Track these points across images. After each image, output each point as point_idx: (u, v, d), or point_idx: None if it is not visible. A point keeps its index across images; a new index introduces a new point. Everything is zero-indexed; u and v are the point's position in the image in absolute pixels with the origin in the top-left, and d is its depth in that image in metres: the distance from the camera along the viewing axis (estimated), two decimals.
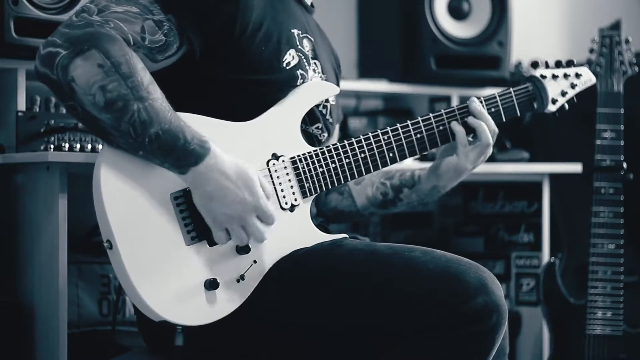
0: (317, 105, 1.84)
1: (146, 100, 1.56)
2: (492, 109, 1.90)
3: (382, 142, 1.81)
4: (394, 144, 1.81)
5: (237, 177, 1.61)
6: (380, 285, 1.63)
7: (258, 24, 1.74)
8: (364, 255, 1.67)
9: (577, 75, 1.99)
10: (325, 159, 1.76)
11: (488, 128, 1.86)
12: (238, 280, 1.66)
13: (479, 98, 1.90)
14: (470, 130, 1.87)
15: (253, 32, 1.73)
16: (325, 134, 1.89)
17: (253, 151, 1.71)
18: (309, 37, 1.87)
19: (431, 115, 1.85)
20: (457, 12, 3.00)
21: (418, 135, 1.84)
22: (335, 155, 1.77)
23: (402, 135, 1.82)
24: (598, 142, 2.64)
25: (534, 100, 1.95)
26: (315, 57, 1.87)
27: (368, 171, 1.80)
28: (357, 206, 2.00)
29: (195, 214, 1.64)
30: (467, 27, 3.01)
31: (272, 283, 1.68)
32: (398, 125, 1.82)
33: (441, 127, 1.86)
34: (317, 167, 1.75)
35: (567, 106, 1.99)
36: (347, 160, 1.78)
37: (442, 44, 2.95)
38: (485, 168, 1.96)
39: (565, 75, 1.98)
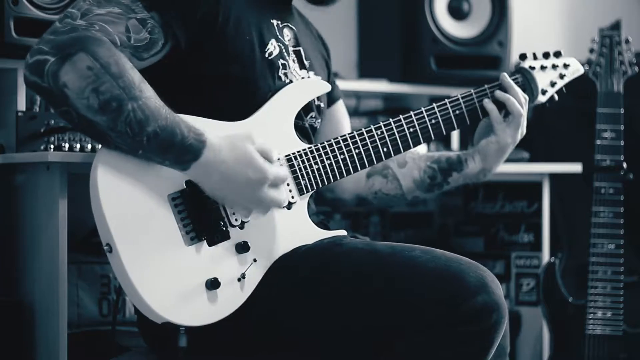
0: None
1: (140, 99, 1.56)
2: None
3: (376, 137, 1.82)
4: (387, 139, 1.83)
5: (235, 160, 1.61)
6: (381, 284, 1.63)
7: (238, 15, 1.75)
8: (365, 255, 1.67)
9: (565, 66, 2.02)
10: (320, 155, 1.77)
11: (516, 100, 1.89)
12: (239, 279, 1.66)
13: (469, 90, 1.92)
14: (500, 106, 1.91)
15: (235, 23, 1.74)
16: (320, 120, 1.91)
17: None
18: (290, 25, 1.88)
19: (423, 109, 1.87)
20: (457, 12, 3.00)
21: (411, 130, 1.86)
22: (330, 152, 1.78)
23: (395, 130, 1.84)
24: (598, 142, 2.64)
25: (524, 92, 1.96)
26: (297, 45, 1.88)
27: (363, 166, 1.81)
28: (403, 189, 2.01)
29: (194, 214, 1.65)
30: (467, 27, 3.01)
31: (272, 281, 1.68)
32: (391, 120, 1.85)
33: (433, 121, 1.88)
34: (312, 164, 1.76)
35: (556, 97, 2.01)
36: (342, 157, 1.79)
37: (442, 44, 2.95)
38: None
39: (554, 66, 2.00)
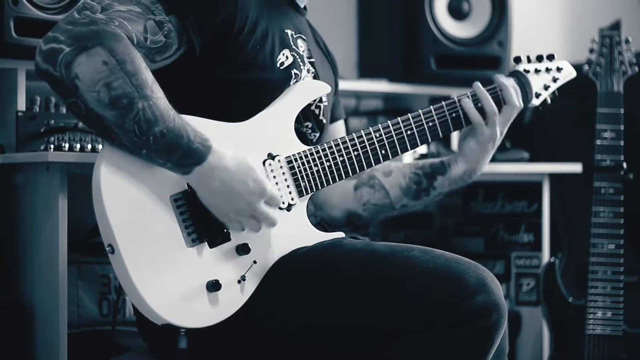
0: (310, 104, 1.85)
1: (150, 98, 1.57)
2: (479, 104, 1.91)
3: (374, 140, 1.83)
4: (385, 141, 1.84)
5: (238, 169, 1.62)
6: (380, 284, 1.63)
7: (254, 23, 1.75)
8: (364, 255, 1.67)
9: (559, 69, 2.01)
10: (320, 157, 1.77)
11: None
12: (239, 281, 1.66)
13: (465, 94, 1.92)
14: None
15: (249, 32, 1.74)
16: (317, 134, 1.90)
17: (250, 152, 1.70)
18: (303, 37, 1.88)
19: (421, 112, 1.88)
20: (457, 12, 3.00)
21: (409, 132, 1.85)
22: (329, 154, 1.78)
23: (393, 132, 1.85)
24: (598, 142, 2.64)
25: (519, 94, 1.96)
26: (310, 57, 1.88)
27: (362, 169, 1.82)
28: (391, 197, 2.00)
29: (195, 215, 1.65)
30: (467, 27, 3.01)
31: (272, 283, 1.68)
32: (389, 122, 1.86)
33: (430, 124, 1.88)
34: (312, 165, 1.76)
35: (549, 100, 2.02)
36: (342, 159, 1.79)
37: (442, 44, 2.95)
38: (485, 168, 1.97)
39: (547, 69, 2.01)
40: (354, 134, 1.82)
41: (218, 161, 1.61)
